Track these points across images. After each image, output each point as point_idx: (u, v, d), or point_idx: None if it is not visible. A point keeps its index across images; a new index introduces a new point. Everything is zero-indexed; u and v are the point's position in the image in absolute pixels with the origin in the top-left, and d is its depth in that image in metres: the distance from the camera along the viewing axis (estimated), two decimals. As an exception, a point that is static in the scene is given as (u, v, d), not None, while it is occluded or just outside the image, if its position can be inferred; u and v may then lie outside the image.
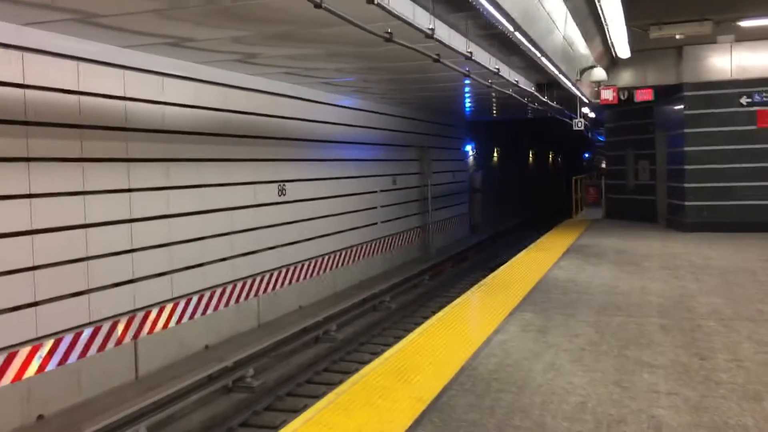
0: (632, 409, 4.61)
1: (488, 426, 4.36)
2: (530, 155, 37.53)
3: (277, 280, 11.80)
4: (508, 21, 6.60)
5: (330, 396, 4.97)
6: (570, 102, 15.65)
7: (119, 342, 8.29)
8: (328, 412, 4.65)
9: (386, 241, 16.88)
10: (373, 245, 16.02)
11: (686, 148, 15.12)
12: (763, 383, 5.08)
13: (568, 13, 9.51)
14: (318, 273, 13.31)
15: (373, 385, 5.21)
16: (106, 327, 8.09)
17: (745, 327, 6.74)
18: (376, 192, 16.27)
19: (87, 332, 7.82)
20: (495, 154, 29.70)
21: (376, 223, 16.25)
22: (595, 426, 4.33)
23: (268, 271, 11.53)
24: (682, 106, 15.25)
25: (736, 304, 7.81)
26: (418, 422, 4.45)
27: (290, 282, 12.25)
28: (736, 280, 9.31)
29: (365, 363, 7.80)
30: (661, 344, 6.18)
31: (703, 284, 9.02)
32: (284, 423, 6.37)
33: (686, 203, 15.21)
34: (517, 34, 7.28)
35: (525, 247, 13.81)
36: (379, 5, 5.02)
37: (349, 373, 8.98)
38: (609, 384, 5.12)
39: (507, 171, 31.15)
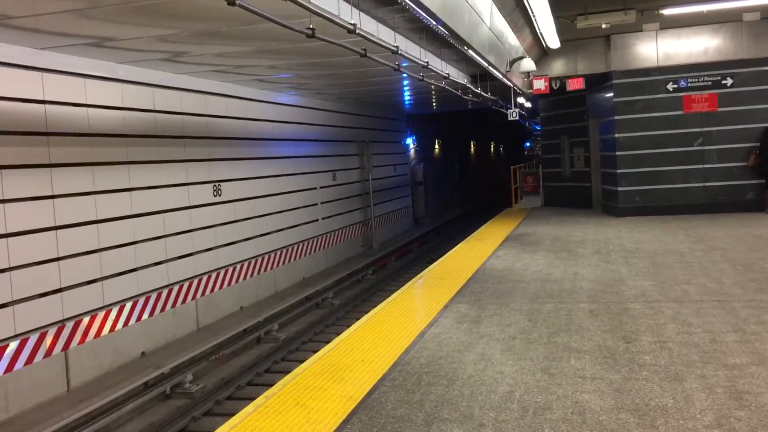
0: (558, 395, 4.69)
1: (416, 420, 4.37)
2: (472, 146, 37.90)
3: (215, 282, 11.62)
4: (427, 14, 6.61)
5: (259, 399, 4.91)
6: (505, 92, 15.85)
7: (48, 353, 8.03)
8: (257, 415, 4.60)
9: (328, 237, 16.82)
10: (314, 242, 15.94)
11: (617, 135, 15.49)
12: (685, 363, 5.24)
13: (494, 5, 9.61)
14: (258, 272, 13.17)
15: (305, 386, 5.17)
16: (33, 339, 7.82)
17: (670, 308, 6.94)
18: (315, 188, 16.18)
19: (13, 345, 7.55)
20: (437, 146, 29.90)
21: (317, 220, 16.17)
22: (521, 414, 4.39)
23: (206, 273, 11.34)
24: (611, 94, 15.62)
25: (663, 286, 8.04)
26: (346, 421, 4.43)
27: (229, 283, 12.08)
28: (665, 262, 9.59)
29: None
30: (589, 329, 6.31)
31: (632, 268, 9.26)
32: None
33: (619, 189, 15.59)
34: (439, 27, 7.30)
35: (466, 237, 13.94)
36: (294, 1, 4.95)
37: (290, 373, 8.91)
38: (537, 372, 5.20)
39: (449, 163, 31.40)
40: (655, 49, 15.21)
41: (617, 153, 15.53)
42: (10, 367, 7.50)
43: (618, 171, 15.56)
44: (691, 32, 14.99)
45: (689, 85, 15.10)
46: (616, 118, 15.51)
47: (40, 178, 8.04)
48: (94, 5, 6.17)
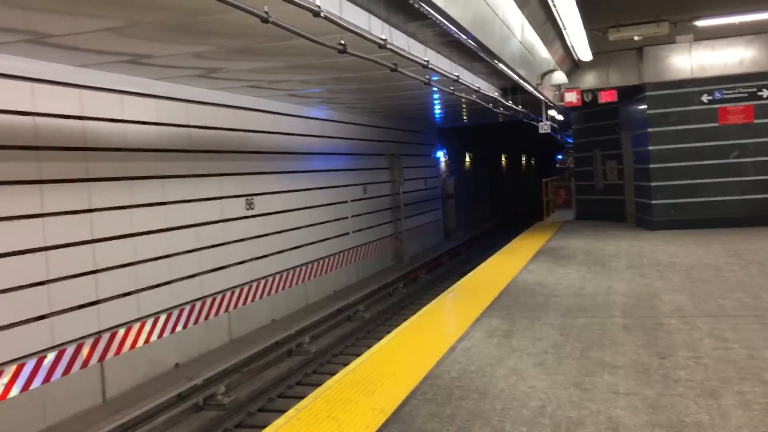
0: (591, 410, 4.64)
1: (447, 435, 4.37)
2: (503, 159, 37.78)
3: (247, 295, 11.73)
4: (457, 28, 6.65)
5: (291, 412, 4.95)
6: (536, 105, 15.80)
7: (85, 364, 8.18)
8: (288, 427, 4.63)
9: (359, 250, 16.87)
10: (345, 255, 16.01)
11: (651, 147, 15.32)
12: (721, 379, 5.15)
13: (525, 19, 9.61)
14: (290, 285, 13.26)
15: (336, 398, 5.19)
16: (70, 350, 7.98)
17: (705, 323, 6.83)
18: (346, 202, 16.27)
19: (51, 356, 7.71)
20: (467, 159, 29.86)
21: (348, 233, 16.24)
22: (553, 429, 4.36)
23: (238, 285, 11.47)
24: (645, 106, 15.46)
25: (699, 300, 7.91)
26: (378, 434, 4.44)
27: (261, 296, 12.19)
28: (700, 276, 9.43)
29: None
30: (623, 344, 6.23)
31: (667, 282, 9.13)
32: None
33: (653, 202, 15.39)
34: (469, 41, 7.33)
35: (498, 250, 13.88)
36: (326, 18, 5.03)
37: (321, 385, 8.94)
38: (570, 386, 5.15)
39: (480, 175, 31.33)
40: (689, 60, 15.04)
41: (651, 166, 15.35)
42: (47, 378, 7.66)
43: (652, 184, 15.37)
44: (726, 43, 14.79)
45: (724, 96, 14.89)
46: (649, 130, 15.35)
47: (79, 193, 8.23)
48: (132, 24, 6.34)
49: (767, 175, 14.76)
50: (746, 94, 14.77)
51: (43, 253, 7.68)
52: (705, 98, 14.99)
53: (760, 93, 14.68)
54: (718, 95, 14.92)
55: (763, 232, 13.64)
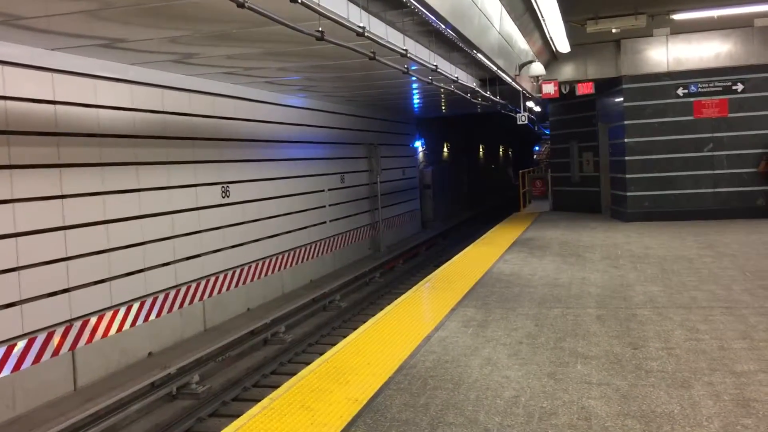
0: (564, 401, 4.67)
1: (421, 424, 4.36)
2: (481, 150, 37.86)
3: (222, 284, 11.64)
4: (436, 17, 6.62)
5: (265, 401, 4.91)
6: (515, 96, 15.83)
7: (56, 353, 8.06)
8: (262, 417, 4.60)
9: (336, 239, 16.83)
10: (322, 244, 15.96)
11: (626, 140, 15.44)
12: (692, 370, 5.21)
13: (504, 9, 9.60)
14: (266, 274, 13.19)
15: (310, 388, 5.17)
16: (41, 338, 7.86)
17: (678, 315, 6.91)
18: (323, 191, 16.20)
19: (21, 344, 7.59)
20: (445, 150, 29.88)
21: (324, 222, 16.18)
22: (526, 419, 4.37)
23: (213, 274, 11.37)
24: (621, 99, 15.57)
25: (671, 291, 7.99)
26: (351, 423, 4.43)
27: (237, 285, 12.11)
28: (673, 268, 9.54)
29: (309, 364, 7.75)
30: (596, 334, 6.28)
31: (641, 273, 9.22)
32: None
33: (628, 194, 15.53)
34: (448, 30, 7.30)
35: (474, 241, 13.91)
36: (303, 3, 4.97)
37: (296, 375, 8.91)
38: (543, 377, 5.18)
39: (457, 166, 31.37)
40: (665, 54, 15.15)
41: (627, 158, 15.48)
42: (17, 366, 7.53)
43: (627, 176, 15.50)
44: (702, 37, 14.93)
45: (700, 90, 15.04)
46: (625, 122, 15.46)
47: (50, 178, 8.08)
48: (106, 6, 6.21)
49: (740, 169, 14.95)
50: (721, 88, 14.93)
51: (13, 239, 7.53)
52: (681, 92, 15.13)
53: (735, 87, 14.85)
54: (693, 89, 15.07)
55: (736, 225, 13.84)
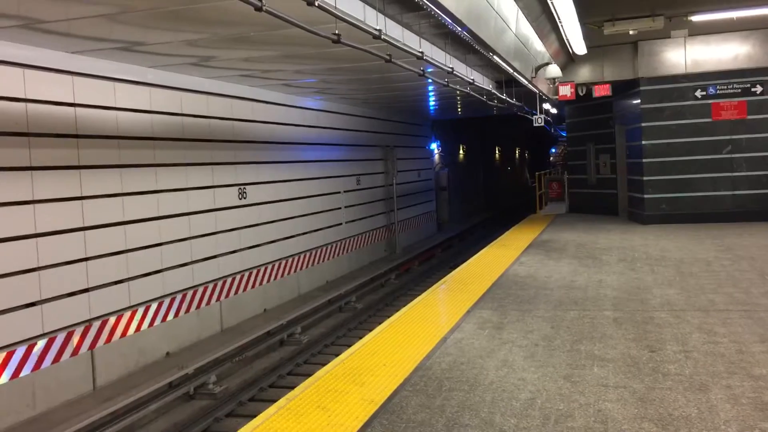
0: (580, 403, 4.66)
1: (437, 426, 4.37)
2: (496, 152, 37.78)
3: (239, 284, 11.71)
4: (452, 20, 6.63)
5: (281, 401, 4.95)
6: (531, 99, 15.79)
7: (75, 352, 8.15)
8: (278, 417, 4.63)
9: (352, 241, 16.87)
10: (338, 246, 16.00)
11: (644, 142, 15.35)
12: (710, 373, 5.18)
13: (520, 11, 9.59)
14: (282, 275, 13.25)
15: (326, 389, 5.19)
16: (60, 338, 7.95)
17: (695, 317, 6.86)
18: (339, 193, 16.25)
19: (41, 344, 7.68)
20: (461, 152, 29.84)
21: (340, 224, 16.22)
22: (542, 422, 4.37)
23: (230, 275, 11.45)
24: (639, 101, 15.48)
25: (689, 294, 7.95)
26: (368, 424, 4.45)
27: (253, 285, 12.17)
28: (691, 270, 9.47)
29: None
30: (613, 337, 6.26)
31: (658, 276, 9.16)
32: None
33: (645, 196, 15.44)
34: (464, 33, 7.31)
35: (490, 243, 13.89)
36: (320, 7, 5.00)
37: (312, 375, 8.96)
38: (559, 379, 5.17)
39: (473, 168, 31.33)
40: (683, 55, 15.05)
41: (644, 160, 15.38)
42: (37, 366, 7.63)
43: (644, 178, 15.40)
44: (721, 39, 14.81)
45: (718, 92, 14.92)
46: (643, 125, 15.37)
47: (70, 180, 8.18)
48: (125, 10, 6.29)
49: (759, 171, 14.81)
50: (740, 90, 14.81)
51: (33, 240, 7.64)
52: (699, 93, 15.02)
53: (753, 89, 14.72)
54: (712, 91, 14.95)
55: (754, 228, 13.71)
